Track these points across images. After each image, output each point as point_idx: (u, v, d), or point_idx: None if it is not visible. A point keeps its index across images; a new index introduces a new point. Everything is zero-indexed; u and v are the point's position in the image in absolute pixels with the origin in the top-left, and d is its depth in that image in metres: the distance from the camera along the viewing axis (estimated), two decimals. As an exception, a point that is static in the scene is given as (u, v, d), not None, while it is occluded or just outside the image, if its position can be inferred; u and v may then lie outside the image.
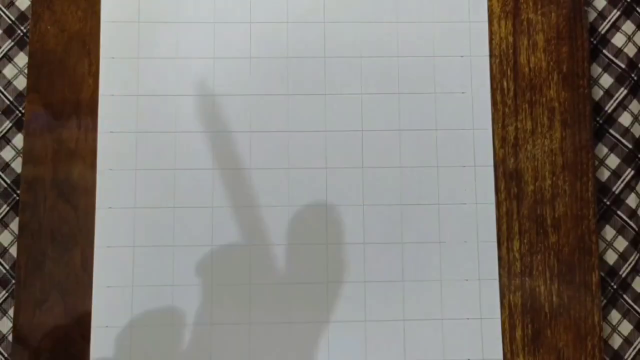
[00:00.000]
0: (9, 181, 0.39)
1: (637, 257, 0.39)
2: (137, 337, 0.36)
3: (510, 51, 0.40)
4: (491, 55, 0.39)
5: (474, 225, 0.38)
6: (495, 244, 0.38)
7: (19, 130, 0.39)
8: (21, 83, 0.40)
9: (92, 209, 0.37)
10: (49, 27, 0.39)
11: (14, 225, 0.39)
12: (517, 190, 0.38)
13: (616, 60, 0.41)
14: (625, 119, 0.41)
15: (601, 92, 0.41)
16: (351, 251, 0.38)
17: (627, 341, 0.39)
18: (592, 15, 0.41)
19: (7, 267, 0.38)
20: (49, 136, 0.38)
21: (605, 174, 0.40)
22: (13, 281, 0.38)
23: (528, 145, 0.39)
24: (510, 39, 0.40)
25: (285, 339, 0.37)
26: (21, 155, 0.38)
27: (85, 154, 0.38)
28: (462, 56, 0.39)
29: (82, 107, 0.38)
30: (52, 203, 0.37)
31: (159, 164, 0.38)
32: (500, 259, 0.38)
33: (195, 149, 0.38)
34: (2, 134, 0.40)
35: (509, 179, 0.38)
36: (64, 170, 0.38)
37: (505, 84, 0.39)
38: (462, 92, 0.39)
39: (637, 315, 0.39)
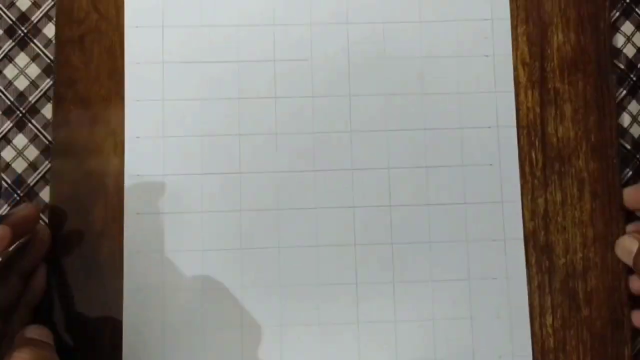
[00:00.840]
0: (9, 181, 0.39)
1: None
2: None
3: (538, 121, 0.39)
4: (519, 126, 0.39)
5: (505, 300, 0.38)
6: (527, 319, 0.38)
7: (20, 130, 0.40)
8: (21, 83, 0.40)
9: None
10: (71, 112, 0.39)
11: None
12: (549, 263, 0.38)
13: (615, 61, 0.41)
14: (624, 120, 0.41)
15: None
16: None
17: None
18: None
19: None
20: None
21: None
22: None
23: (558, 217, 0.38)
24: (538, 109, 0.39)
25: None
26: (21, 155, 0.39)
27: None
28: (489, 127, 0.39)
29: (109, 187, 0.38)
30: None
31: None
32: (533, 334, 0.37)
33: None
34: (2, 134, 0.40)
35: (539, 253, 0.38)
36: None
37: (533, 155, 0.39)
38: (490, 164, 0.39)
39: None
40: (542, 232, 0.38)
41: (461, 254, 0.38)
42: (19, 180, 0.39)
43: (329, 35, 0.39)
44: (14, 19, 0.40)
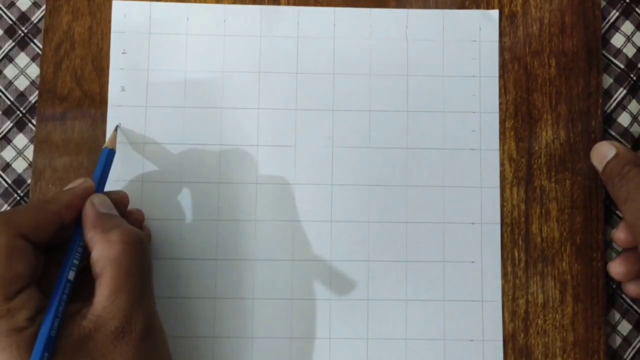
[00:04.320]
0: (9, 181, 0.39)
1: None
2: None
3: (522, 219, 0.38)
4: (502, 224, 0.38)
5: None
6: None
7: (20, 130, 0.40)
8: (22, 83, 0.40)
9: None
10: (50, 186, 0.38)
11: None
12: (527, 367, 0.37)
13: (615, 61, 0.41)
14: (624, 119, 0.40)
15: (600, 92, 0.40)
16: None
17: (627, 341, 0.38)
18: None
19: None
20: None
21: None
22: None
23: (539, 320, 0.38)
24: (523, 206, 0.39)
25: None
26: (21, 155, 0.39)
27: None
28: (472, 223, 0.38)
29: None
30: None
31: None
32: None
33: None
34: (2, 134, 0.40)
35: (518, 355, 0.37)
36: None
37: (516, 254, 0.38)
38: (472, 262, 0.38)
39: (637, 314, 0.39)
40: (522, 335, 0.38)
41: (438, 355, 0.37)
42: (19, 180, 0.39)
43: (313, 119, 0.39)
44: (14, 19, 0.41)
